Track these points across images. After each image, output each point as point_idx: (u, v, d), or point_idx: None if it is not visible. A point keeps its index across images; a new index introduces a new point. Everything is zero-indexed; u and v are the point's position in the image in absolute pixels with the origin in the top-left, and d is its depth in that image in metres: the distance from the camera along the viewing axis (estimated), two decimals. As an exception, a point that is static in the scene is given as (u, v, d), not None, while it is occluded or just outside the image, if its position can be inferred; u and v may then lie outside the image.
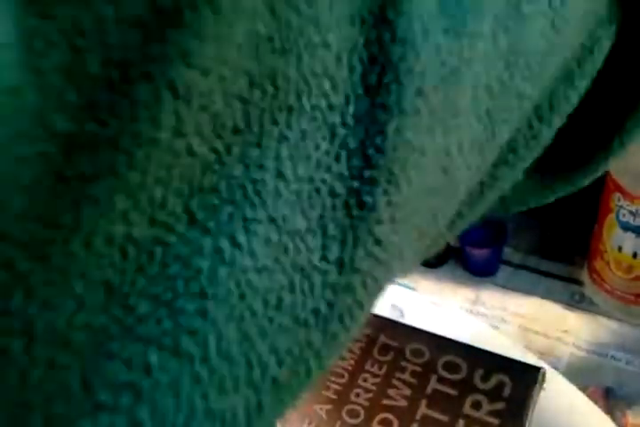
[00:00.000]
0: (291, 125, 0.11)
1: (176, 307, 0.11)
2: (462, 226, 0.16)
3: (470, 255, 0.56)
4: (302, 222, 0.11)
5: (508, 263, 0.58)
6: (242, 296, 0.11)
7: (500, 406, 0.31)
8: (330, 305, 0.12)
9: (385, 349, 0.34)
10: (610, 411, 0.44)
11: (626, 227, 0.47)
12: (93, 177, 0.10)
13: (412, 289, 0.54)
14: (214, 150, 0.11)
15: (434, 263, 0.58)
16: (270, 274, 0.11)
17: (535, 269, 0.57)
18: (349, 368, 0.33)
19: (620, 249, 0.48)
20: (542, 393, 0.35)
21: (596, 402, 0.43)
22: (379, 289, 0.13)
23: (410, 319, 0.39)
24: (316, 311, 0.12)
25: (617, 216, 0.47)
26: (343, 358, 0.34)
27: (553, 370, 0.42)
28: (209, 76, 0.10)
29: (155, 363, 0.10)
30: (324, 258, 0.12)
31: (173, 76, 0.10)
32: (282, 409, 0.12)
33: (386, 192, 0.12)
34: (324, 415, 0.31)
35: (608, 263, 0.50)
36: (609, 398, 0.45)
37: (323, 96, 0.11)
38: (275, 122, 0.11)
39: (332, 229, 0.12)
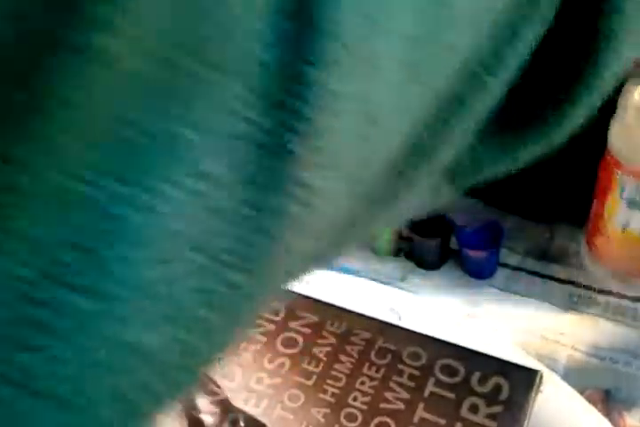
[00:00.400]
0: (209, 77, 0.11)
1: (98, 253, 0.11)
2: (420, 181, 0.16)
3: (468, 258, 0.56)
4: (222, 169, 0.12)
5: (506, 266, 0.58)
6: (162, 239, 0.11)
7: (497, 409, 0.31)
8: (251, 245, 0.12)
9: (382, 352, 0.34)
10: (608, 413, 0.44)
11: (632, 203, 0.46)
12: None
13: (410, 292, 0.54)
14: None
15: (432, 266, 0.58)
16: (190, 219, 0.12)
17: (533, 271, 0.57)
18: (347, 372, 0.33)
19: (624, 227, 0.48)
20: (540, 396, 0.35)
21: (594, 405, 0.43)
22: (308, 235, 0.13)
23: (407, 322, 0.39)
24: (237, 252, 0.12)
25: (620, 194, 0.47)
26: (340, 362, 0.34)
27: (551, 372, 0.42)
28: (121, 37, 0.10)
29: (72, 303, 0.11)
30: (245, 202, 0.12)
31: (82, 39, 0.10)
32: (214, 351, 0.13)
33: (308, 137, 0.12)
34: (321, 419, 0.31)
35: (610, 241, 0.50)
36: (607, 401, 0.45)
37: (244, 44, 0.11)
38: (194, 74, 0.11)
39: (253, 175, 0.12)
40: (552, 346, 0.50)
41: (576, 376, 0.47)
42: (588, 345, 0.50)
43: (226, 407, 0.32)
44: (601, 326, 0.51)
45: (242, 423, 0.31)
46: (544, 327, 0.52)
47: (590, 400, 0.43)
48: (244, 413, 0.32)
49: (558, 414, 0.39)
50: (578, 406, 0.40)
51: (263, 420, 0.31)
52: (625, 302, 0.53)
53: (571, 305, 0.54)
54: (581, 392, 0.43)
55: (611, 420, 0.42)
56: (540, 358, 0.48)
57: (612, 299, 0.53)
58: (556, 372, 0.46)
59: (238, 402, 0.32)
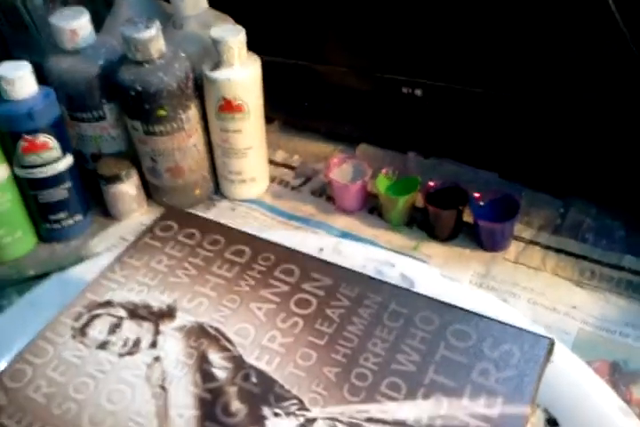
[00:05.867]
0: None
1: None
2: None
3: (482, 230, 0.56)
4: None
5: (520, 239, 0.58)
6: None
7: (507, 374, 0.32)
8: None
9: (395, 315, 0.34)
10: (615, 386, 0.44)
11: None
12: None
13: (424, 262, 0.54)
14: None
15: (445, 237, 0.58)
16: None
17: (546, 245, 0.57)
18: (359, 333, 0.34)
19: None
20: (549, 366, 0.35)
21: (601, 377, 0.43)
22: None
23: (419, 290, 0.40)
24: None
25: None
26: (353, 323, 0.34)
27: (561, 344, 0.42)
28: None
29: None
30: None
31: None
32: None
33: None
34: (332, 378, 0.32)
35: None
36: (614, 374, 0.46)
37: None
38: None
39: None
40: (563, 319, 0.51)
41: (585, 349, 0.47)
42: (598, 319, 0.50)
43: (238, 363, 0.32)
44: (612, 301, 0.51)
45: (254, 379, 0.32)
46: (555, 300, 0.52)
47: (598, 372, 0.43)
48: (256, 369, 0.32)
49: (567, 384, 0.39)
50: (586, 378, 0.40)
51: (275, 377, 0.32)
52: (637, 278, 0.53)
53: (583, 280, 0.54)
54: (589, 364, 0.43)
55: (617, 392, 0.42)
56: (550, 330, 0.48)
57: (624, 274, 0.53)
58: (566, 344, 0.47)
59: (251, 359, 0.33)
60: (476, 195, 0.57)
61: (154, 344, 0.34)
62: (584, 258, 0.55)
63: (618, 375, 0.45)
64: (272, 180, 0.66)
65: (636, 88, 0.51)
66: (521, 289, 0.54)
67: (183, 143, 0.56)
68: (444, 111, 0.61)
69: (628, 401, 0.43)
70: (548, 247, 0.57)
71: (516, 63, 0.54)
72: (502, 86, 0.56)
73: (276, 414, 0.30)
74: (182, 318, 0.35)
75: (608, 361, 0.47)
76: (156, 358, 0.33)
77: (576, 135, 0.56)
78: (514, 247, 0.57)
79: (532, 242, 0.58)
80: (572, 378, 0.40)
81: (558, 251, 0.56)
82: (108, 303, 0.36)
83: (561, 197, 0.61)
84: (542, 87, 0.55)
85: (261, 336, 0.34)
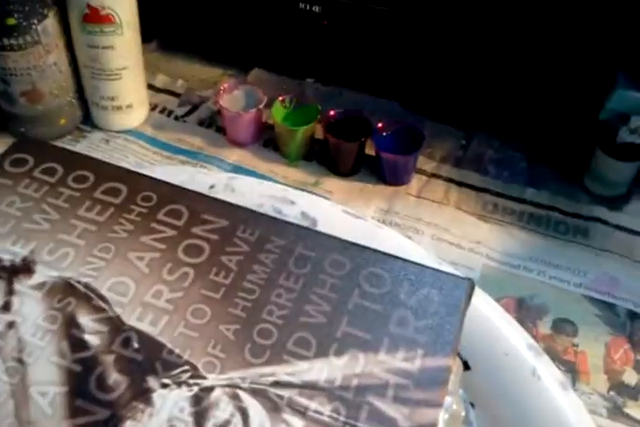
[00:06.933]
0: None
1: None
2: None
3: (385, 163, 0.53)
4: None
5: (422, 172, 0.55)
6: None
7: (427, 322, 0.28)
8: None
9: (301, 260, 0.30)
10: (521, 322, 0.43)
11: None
12: None
13: (326, 198, 0.50)
14: None
15: (347, 171, 0.54)
16: None
17: (448, 178, 0.54)
18: (260, 283, 0.29)
19: None
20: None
21: (508, 313, 0.42)
22: None
23: (322, 229, 0.35)
24: None
25: None
26: (253, 272, 0.29)
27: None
28: None
29: None
30: None
31: None
32: None
33: None
34: (231, 336, 0.27)
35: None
36: (521, 310, 0.45)
37: None
38: None
39: None
40: (467, 254, 0.49)
41: (491, 285, 0.45)
42: (502, 254, 0.49)
43: (116, 326, 0.27)
44: (514, 235, 0.50)
45: (135, 344, 0.26)
46: (459, 236, 0.50)
47: (505, 309, 0.42)
48: (138, 331, 0.27)
49: (478, 323, 0.37)
50: (497, 316, 0.38)
51: (162, 340, 0.27)
52: (539, 211, 0.52)
53: (485, 213, 0.52)
54: (497, 301, 0.42)
55: (524, 328, 0.41)
56: (455, 266, 0.46)
57: (526, 207, 0.52)
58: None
59: (131, 320, 0.27)
60: (379, 125, 0.53)
61: (6, 307, 0.27)
62: (486, 191, 0.54)
63: (524, 312, 0.45)
64: (153, 108, 0.58)
65: (541, 20, 0.48)
66: (425, 225, 0.51)
67: (41, 61, 0.47)
68: (345, 32, 0.55)
69: (534, 337, 0.42)
70: (450, 180, 0.55)
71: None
72: (407, 5, 0.52)
73: (165, 385, 0.25)
74: (42, 274, 0.28)
75: (514, 297, 0.46)
76: (10, 325, 0.26)
77: (478, 65, 0.54)
78: (416, 181, 0.54)
79: (434, 175, 0.55)
80: (484, 317, 0.38)
81: (460, 184, 0.54)
82: (-54, 257, 0.28)
83: (463, 128, 0.58)
84: (450, 12, 0.51)
85: (143, 292, 0.28)
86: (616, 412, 0.40)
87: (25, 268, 0.28)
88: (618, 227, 0.50)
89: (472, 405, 0.36)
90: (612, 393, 0.41)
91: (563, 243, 0.49)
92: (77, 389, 0.25)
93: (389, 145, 0.53)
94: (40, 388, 0.25)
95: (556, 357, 0.42)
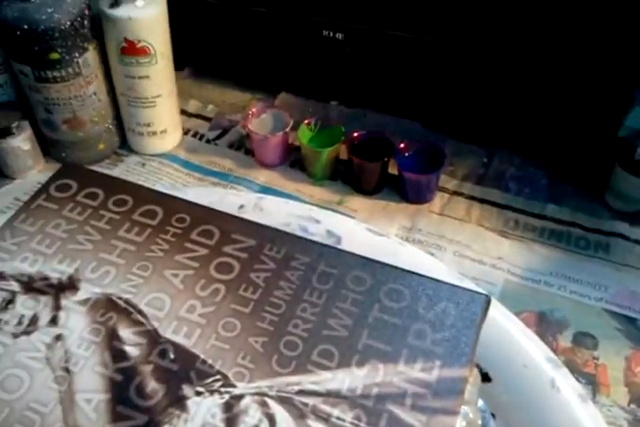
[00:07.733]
0: None
1: None
2: None
3: (408, 182, 0.54)
4: None
5: (444, 190, 0.56)
6: None
7: (444, 335, 0.30)
8: None
9: (324, 277, 0.32)
10: (542, 335, 0.44)
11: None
12: None
13: (350, 217, 0.52)
14: None
15: (370, 190, 0.56)
16: None
17: (470, 195, 0.56)
18: (286, 298, 0.31)
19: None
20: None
21: (529, 327, 0.43)
22: None
23: (346, 247, 0.37)
24: None
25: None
26: (279, 288, 0.31)
27: (489, 296, 0.41)
28: None
29: None
30: None
31: None
32: None
33: None
34: (259, 348, 0.29)
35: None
36: (541, 324, 0.46)
37: None
38: None
39: None
40: (489, 270, 0.50)
41: (512, 300, 0.47)
42: (523, 269, 0.50)
43: (153, 338, 0.29)
44: (536, 250, 0.51)
45: (171, 355, 0.28)
46: (481, 252, 0.51)
47: (525, 323, 0.43)
48: (173, 343, 0.29)
49: (498, 338, 0.39)
50: (516, 330, 0.40)
51: (195, 351, 0.29)
52: (560, 227, 0.53)
53: (507, 230, 0.53)
54: (517, 315, 0.43)
55: (545, 342, 0.42)
56: (477, 282, 0.48)
57: (547, 223, 0.53)
58: (493, 295, 0.46)
59: (167, 333, 0.29)
60: (402, 145, 0.55)
61: (54, 321, 0.30)
62: (508, 208, 0.55)
63: (545, 325, 0.46)
64: (185, 132, 0.61)
65: (560, 39, 0.50)
66: (447, 241, 0.53)
67: (81, 91, 0.50)
68: (367, 57, 0.57)
69: (554, 350, 0.43)
70: (472, 198, 0.56)
71: (442, 5, 0.52)
72: (427, 31, 0.54)
73: (199, 393, 0.27)
74: (86, 290, 0.31)
75: (535, 311, 0.47)
76: (58, 337, 0.29)
77: (499, 84, 0.55)
78: (438, 199, 0.56)
79: (456, 193, 0.57)
80: (503, 331, 0.39)
81: (482, 201, 0.56)
82: (-1, 275, 0.31)
83: (484, 146, 0.60)
84: (468, 33, 0.53)
85: (178, 307, 0.30)
86: (636, 424, 0.40)
87: (70, 285, 0.31)
88: (638, 242, 0.51)
89: (493, 415, 0.37)
90: (632, 406, 0.41)
91: (583, 258, 0.50)
92: (118, 396, 0.27)
93: (412, 164, 0.54)
94: (85, 395, 0.27)
95: (576, 369, 0.43)
